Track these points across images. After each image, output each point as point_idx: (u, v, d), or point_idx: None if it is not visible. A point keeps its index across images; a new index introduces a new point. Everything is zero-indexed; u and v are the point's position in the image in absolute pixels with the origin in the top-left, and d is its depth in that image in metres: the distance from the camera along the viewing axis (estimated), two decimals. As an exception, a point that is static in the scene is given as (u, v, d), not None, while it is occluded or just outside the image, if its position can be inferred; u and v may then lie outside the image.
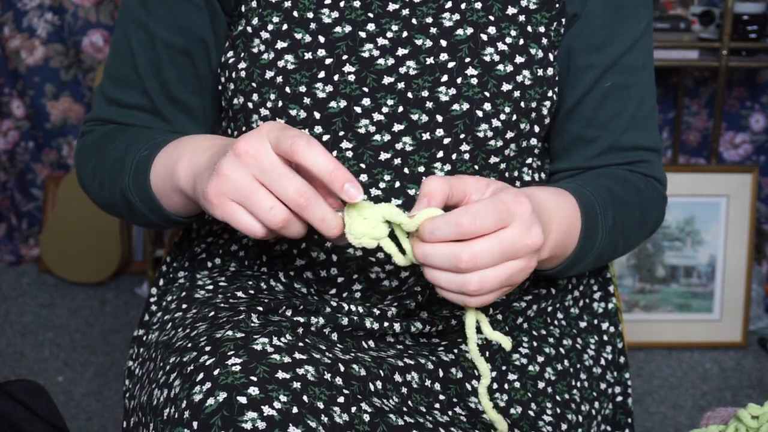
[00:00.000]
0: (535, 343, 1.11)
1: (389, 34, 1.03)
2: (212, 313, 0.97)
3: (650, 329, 2.60)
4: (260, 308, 0.97)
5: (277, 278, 1.08)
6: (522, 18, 1.05)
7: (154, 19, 1.06)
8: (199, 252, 1.14)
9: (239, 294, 1.03)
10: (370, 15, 1.03)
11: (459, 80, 1.02)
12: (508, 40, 1.04)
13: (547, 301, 1.14)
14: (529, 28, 1.05)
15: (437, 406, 0.99)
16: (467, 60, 1.03)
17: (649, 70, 1.12)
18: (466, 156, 1.04)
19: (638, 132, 1.12)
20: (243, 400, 0.85)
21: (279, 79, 1.02)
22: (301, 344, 0.92)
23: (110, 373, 2.43)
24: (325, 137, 1.02)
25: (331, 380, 0.90)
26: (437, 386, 1.01)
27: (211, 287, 1.06)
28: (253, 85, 1.03)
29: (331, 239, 0.87)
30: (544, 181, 1.15)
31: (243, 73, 1.04)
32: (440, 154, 1.03)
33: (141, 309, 2.36)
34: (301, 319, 0.98)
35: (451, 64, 1.03)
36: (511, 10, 1.05)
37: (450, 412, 1.00)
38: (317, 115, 1.02)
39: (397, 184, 1.03)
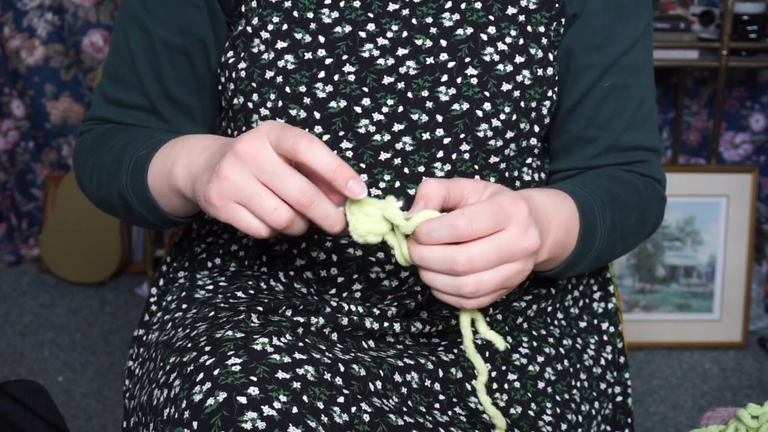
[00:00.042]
0: (535, 343, 1.11)
1: (389, 34, 1.03)
2: (212, 313, 0.97)
3: (650, 329, 2.60)
4: (260, 308, 0.97)
5: (277, 278, 1.08)
6: (522, 18, 1.05)
7: (153, 19, 1.06)
8: (199, 252, 1.14)
9: (239, 294, 1.03)
10: (370, 15, 1.03)
11: (459, 80, 1.02)
12: (508, 39, 1.04)
13: (547, 301, 1.14)
14: (529, 28, 1.05)
15: (437, 406, 0.99)
16: (467, 60, 1.03)
17: (648, 70, 1.12)
18: (466, 156, 1.04)
19: (638, 132, 1.12)
20: (243, 400, 0.85)
21: (279, 79, 1.02)
22: (301, 344, 0.92)
23: (110, 373, 2.43)
24: (325, 137, 1.02)
25: (331, 380, 0.90)
26: (437, 386, 1.01)
27: (211, 287, 1.06)
28: (253, 85, 1.03)
29: (333, 234, 0.87)
30: (544, 180, 1.15)
31: (243, 73, 1.04)
32: (440, 153, 1.03)
33: (141, 309, 2.36)
34: (301, 319, 0.98)
35: (451, 64, 1.03)
36: (510, 10, 1.05)
37: (450, 412, 1.00)
38: (317, 115, 1.02)
39: (397, 183, 1.03)
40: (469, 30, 1.04)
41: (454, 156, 1.04)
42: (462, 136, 1.03)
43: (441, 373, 1.02)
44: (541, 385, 1.08)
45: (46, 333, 2.62)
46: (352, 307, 1.03)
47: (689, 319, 2.61)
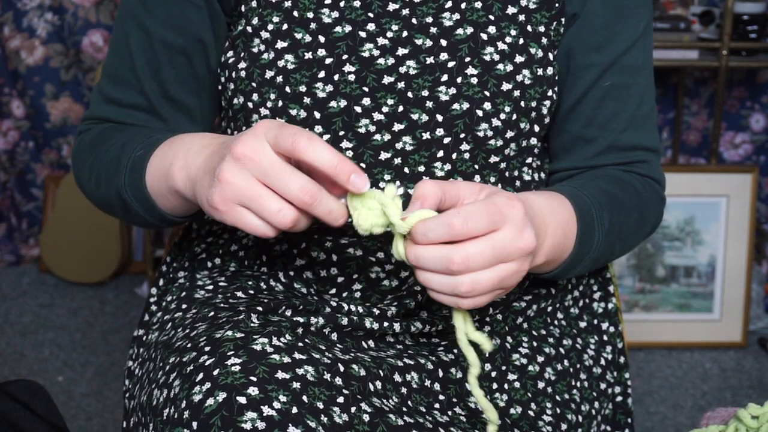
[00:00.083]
0: (535, 343, 1.11)
1: (389, 34, 1.03)
2: (212, 313, 0.97)
3: (650, 329, 2.60)
4: (260, 308, 0.97)
5: (277, 278, 1.08)
6: (522, 17, 1.05)
7: (152, 19, 1.06)
8: (199, 252, 1.14)
9: (239, 294, 1.03)
10: (370, 15, 1.03)
11: (459, 80, 1.02)
12: (508, 39, 1.04)
13: (547, 301, 1.14)
14: (529, 28, 1.05)
15: (437, 406, 0.99)
16: (467, 59, 1.03)
17: (648, 70, 1.12)
18: (466, 155, 1.04)
19: (637, 132, 1.12)
20: (242, 400, 0.85)
21: (279, 78, 1.02)
22: (300, 344, 0.92)
23: (110, 373, 2.43)
24: (326, 137, 1.02)
25: (330, 380, 0.90)
26: (437, 386, 1.01)
27: (211, 287, 1.06)
28: (253, 84, 1.03)
29: (337, 227, 0.87)
30: (544, 180, 1.15)
31: (243, 73, 1.04)
32: (440, 153, 1.03)
33: (141, 309, 2.36)
34: (301, 319, 0.98)
35: (451, 64, 1.03)
36: (510, 10, 1.05)
37: (450, 412, 1.00)
38: (317, 114, 1.02)
39: (398, 183, 1.03)
40: (469, 30, 1.04)
41: (454, 156, 1.03)
42: (462, 135, 1.03)
43: (441, 373, 1.02)
44: (541, 385, 1.08)
45: (46, 333, 2.62)
46: (352, 307, 1.03)
47: (689, 319, 2.61)
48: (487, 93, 1.03)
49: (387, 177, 1.03)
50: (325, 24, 1.03)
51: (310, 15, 1.03)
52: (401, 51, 1.03)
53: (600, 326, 1.18)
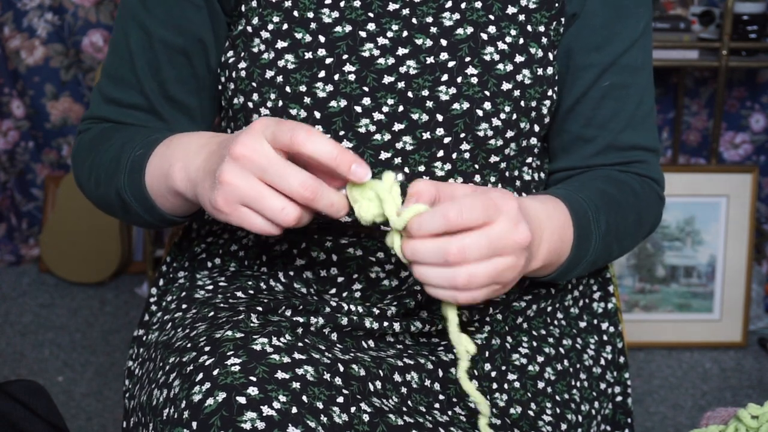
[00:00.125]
0: (534, 343, 1.11)
1: (389, 34, 1.03)
2: (212, 314, 0.97)
3: (650, 329, 2.60)
4: (260, 308, 0.97)
5: (277, 278, 1.08)
6: (522, 17, 1.05)
7: (152, 19, 1.06)
8: (199, 252, 1.14)
9: (239, 294, 1.03)
10: (371, 15, 1.03)
11: (459, 79, 1.02)
12: (508, 39, 1.04)
13: (546, 301, 1.14)
14: (529, 28, 1.05)
15: (437, 405, 0.99)
16: (467, 59, 1.03)
17: (648, 70, 1.12)
18: (467, 155, 1.04)
19: (636, 131, 1.12)
20: (242, 400, 0.85)
21: (279, 78, 1.02)
22: (300, 344, 0.92)
23: (110, 373, 2.43)
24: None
25: (330, 380, 0.90)
26: (437, 386, 1.01)
27: (210, 287, 1.06)
28: (254, 84, 1.03)
29: (339, 219, 0.87)
30: (544, 180, 1.15)
31: (243, 73, 1.04)
32: (440, 153, 1.03)
33: (141, 309, 2.36)
34: (301, 319, 0.98)
35: (451, 64, 1.03)
36: (510, 10, 1.05)
37: (450, 412, 0.99)
38: (317, 114, 1.02)
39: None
40: (470, 29, 1.04)
41: (454, 155, 1.03)
42: (462, 135, 1.03)
43: (441, 373, 1.02)
44: (540, 385, 1.08)
45: (46, 333, 2.62)
46: (352, 307, 1.03)
47: (689, 319, 2.60)
48: (487, 93, 1.03)
49: (387, 177, 1.03)
50: (326, 24, 1.03)
51: (311, 15, 1.03)
52: (401, 51, 1.03)
53: (600, 326, 1.18)
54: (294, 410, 0.85)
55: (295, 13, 1.03)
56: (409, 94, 1.03)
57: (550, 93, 1.07)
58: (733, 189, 2.57)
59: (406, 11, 1.04)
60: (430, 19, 1.04)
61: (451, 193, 0.86)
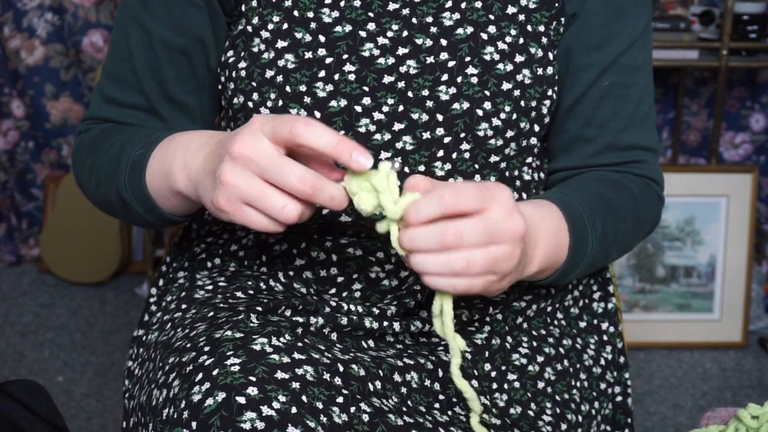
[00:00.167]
0: (534, 343, 1.11)
1: (389, 34, 1.03)
2: (211, 314, 0.97)
3: (650, 329, 2.60)
4: (259, 308, 0.97)
5: (277, 278, 1.08)
6: (522, 17, 1.05)
7: (152, 19, 1.06)
8: (198, 252, 1.14)
9: (238, 294, 1.03)
10: (371, 14, 1.03)
11: (459, 79, 1.02)
12: (508, 39, 1.04)
13: (546, 301, 1.14)
14: (529, 27, 1.05)
15: (437, 405, 0.99)
16: (467, 59, 1.03)
17: (647, 70, 1.12)
18: (467, 155, 1.04)
19: (636, 131, 1.12)
20: (242, 400, 0.85)
21: (279, 78, 1.02)
22: (300, 344, 0.92)
23: (110, 373, 2.43)
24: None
25: (330, 380, 0.90)
26: (437, 386, 1.01)
27: (210, 287, 1.06)
28: (254, 84, 1.03)
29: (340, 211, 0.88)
30: (543, 180, 1.15)
31: (243, 73, 1.04)
32: (440, 153, 1.03)
33: (141, 309, 2.36)
34: (300, 319, 0.98)
35: (451, 63, 1.03)
36: (510, 9, 1.05)
37: (450, 412, 0.99)
38: (317, 114, 1.02)
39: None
40: (470, 29, 1.04)
41: (454, 155, 1.03)
42: (462, 135, 1.03)
43: (441, 373, 1.01)
44: (540, 385, 1.08)
45: (46, 333, 2.62)
46: (352, 307, 1.03)
47: (689, 319, 2.60)
48: (487, 92, 1.03)
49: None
50: (326, 23, 1.03)
51: (311, 14, 1.03)
52: (401, 50, 1.03)
53: (600, 326, 1.18)
54: (293, 410, 0.85)
55: (295, 13, 1.03)
56: (409, 93, 1.03)
57: (550, 93, 1.07)
58: (733, 189, 2.57)
59: (406, 11, 1.04)
60: (430, 19, 1.04)
61: (446, 186, 0.87)
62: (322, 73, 1.02)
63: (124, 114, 1.10)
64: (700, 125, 2.89)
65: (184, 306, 1.04)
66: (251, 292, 1.04)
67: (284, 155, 0.85)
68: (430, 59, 1.03)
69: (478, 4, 1.05)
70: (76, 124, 2.99)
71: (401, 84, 1.02)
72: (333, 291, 1.06)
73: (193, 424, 0.85)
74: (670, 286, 2.61)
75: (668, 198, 2.36)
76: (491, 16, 1.04)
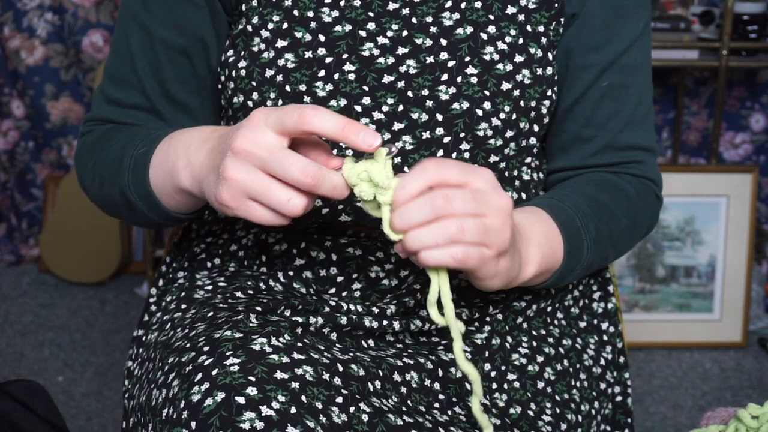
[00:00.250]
0: (534, 343, 1.11)
1: (389, 33, 1.03)
2: (211, 314, 0.97)
3: (650, 329, 2.60)
4: (259, 308, 0.97)
5: (276, 278, 1.08)
6: (521, 17, 1.05)
7: (153, 19, 1.06)
8: (198, 252, 1.14)
9: (238, 294, 1.03)
10: (371, 14, 1.03)
11: (459, 79, 1.02)
12: (508, 39, 1.04)
13: (546, 301, 1.14)
14: (529, 28, 1.05)
15: (437, 405, 0.99)
16: (467, 59, 1.03)
17: (647, 70, 1.12)
18: (466, 155, 1.04)
19: (635, 131, 1.12)
20: (241, 400, 0.85)
21: (279, 77, 1.02)
22: (299, 344, 0.92)
23: (110, 373, 2.43)
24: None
25: (329, 380, 0.90)
26: (437, 386, 1.01)
27: (210, 287, 1.06)
28: (253, 83, 1.03)
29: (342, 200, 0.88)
30: (542, 180, 1.15)
31: (243, 72, 1.04)
32: (440, 152, 1.03)
33: (141, 309, 2.36)
34: (300, 319, 0.98)
35: (451, 63, 1.03)
36: (510, 10, 1.05)
37: (449, 412, 0.99)
38: (317, 114, 1.02)
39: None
40: (469, 29, 1.04)
41: (454, 155, 1.03)
42: (462, 135, 1.03)
43: (440, 373, 1.01)
44: (540, 384, 1.07)
45: (46, 333, 2.62)
46: (351, 306, 1.03)
47: (689, 319, 2.60)
48: (486, 92, 1.03)
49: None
50: (326, 23, 1.03)
51: (311, 14, 1.03)
52: (401, 50, 1.03)
53: (600, 326, 1.18)
54: (293, 410, 0.85)
55: (295, 12, 1.03)
56: (409, 93, 1.03)
57: (549, 93, 1.07)
58: (733, 189, 2.57)
59: (405, 11, 1.04)
60: (429, 19, 1.04)
61: (428, 160, 0.88)
62: (321, 73, 1.02)
63: (125, 114, 1.10)
64: (700, 125, 2.89)
65: (183, 306, 1.04)
66: (251, 292, 1.04)
67: (287, 147, 0.85)
68: (429, 59, 1.03)
69: (478, 4, 1.05)
70: (76, 124, 2.99)
71: (401, 84, 1.02)
72: (333, 291, 1.06)
73: (193, 424, 0.85)
74: (670, 286, 2.61)
75: (668, 198, 2.36)
76: (491, 16, 1.04)
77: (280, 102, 1.02)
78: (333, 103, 1.01)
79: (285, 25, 1.03)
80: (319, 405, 0.87)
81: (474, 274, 0.89)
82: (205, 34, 1.07)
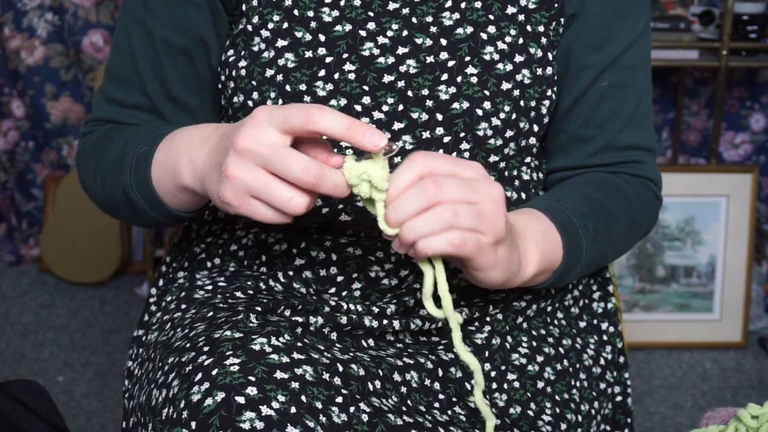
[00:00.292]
0: (534, 343, 1.11)
1: (389, 33, 1.03)
2: (211, 314, 0.97)
3: (650, 329, 2.60)
4: (259, 308, 0.97)
5: (276, 278, 1.08)
6: (521, 17, 1.05)
7: (154, 19, 1.06)
8: (198, 252, 1.14)
9: (238, 294, 1.03)
10: (371, 14, 1.03)
11: (459, 79, 1.02)
12: (508, 39, 1.04)
13: (546, 301, 1.14)
14: (529, 28, 1.05)
15: (436, 405, 0.99)
16: (467, 59, 1.03)
17: (646, 70, 1.12)
18: (466, 154, 1.04)
19: (635, 131, 1.12)
20: (241, 400, 0.85)
21: (279, 77, 1.02)
22: (299, 344, 0.92)
23: (110, 373, 2.43)
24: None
25: (329, 380, 0.90)
26: (436, 385, 1.01)
27: (210, 287, 1.06)
28: (254, 83, 1.03)
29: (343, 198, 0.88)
30: (542, 180, 1.15)
31: (243, 72, 1.04)
32: (440, 152, 1.03)
33: (141, 309, 2.36)
34: (300, 319, 0.98)
35: (451, 63, 1.03)
36: (510, 10, 1.05)
37: (449, 412, 0.99)
38: (317, 113, 1.02)
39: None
40: (469, 29, 1.04)
41: (454, 154, 1.03)
42: (462, 134, 1.03)
43: (440, 373, 1.01)
44: (540, 384, 1.08)
45: (46, 333, 2.62)
46: (351, 306, 1.03)
47: (689, 319, 2.60)
48: (486, 92, 1.03)
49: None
50: (326, 23, 1.03)
51: (311, 14, 1.03)
52: (401, 50, 1.03)
53: (600, 326, 1.18)
54: (293, 410, 0.85)
55: (296, 12, 1.03)
56: (409, 93, 1.03)
57: (549, 93, 1.07)
58: (733, 189, 2.57)
59: (406, 10, 1.04)
60: (429, 19, 1.04)
61: (418, 153, 0.88)
62: (322, 72, 1.02)
63: (126, 114, 1.10)
64: (700, 125, 2.89)
65: (183, 306, 1.04)
66: (251, 292, 1.04)
67: (289, 146, 0.85)
68: (429, 59, 1.03)
69: (478, 4, 1.05)
70: (76, 124, 2.99)
71: (401, 83, 1.02)
72: (333, 290, 1.06)
73: (193, 424, 0.85)
74: (670, 286, 2.61)
75: (668, 198, 2.36)
76: (491, 16, 1.04)
77: (280, 101, 1.02)
78: (333, 102, 1.01)
79: (285, 25, 1.03)
80: (319, 405, 0.87)
81: (473, 264, 0.89)
82: (206, 34, 1.07)
